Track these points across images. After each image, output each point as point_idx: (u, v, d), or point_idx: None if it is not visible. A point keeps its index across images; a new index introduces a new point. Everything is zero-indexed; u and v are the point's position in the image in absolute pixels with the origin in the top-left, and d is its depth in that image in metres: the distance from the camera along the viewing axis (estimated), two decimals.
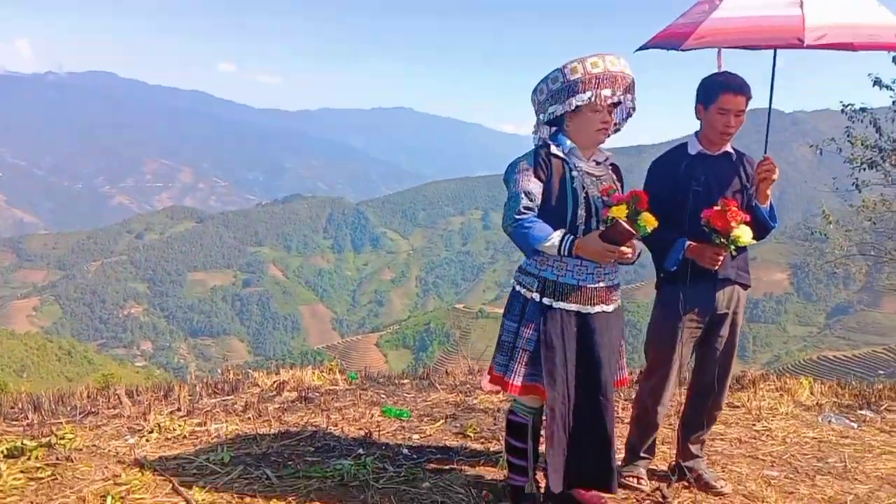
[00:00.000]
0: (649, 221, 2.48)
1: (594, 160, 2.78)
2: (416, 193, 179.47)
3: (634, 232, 2.47)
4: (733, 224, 2.74)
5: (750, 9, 2.94)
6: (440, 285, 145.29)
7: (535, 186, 2.63)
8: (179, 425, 3.81)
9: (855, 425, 4.63)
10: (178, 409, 4.24)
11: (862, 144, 9.12)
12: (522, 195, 2.60)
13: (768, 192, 2.99)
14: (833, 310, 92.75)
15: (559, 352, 2.64)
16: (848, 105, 9.15)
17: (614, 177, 2.84)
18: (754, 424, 4.45)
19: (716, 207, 2.80)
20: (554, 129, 2.80)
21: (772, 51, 3.03)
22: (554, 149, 2.71)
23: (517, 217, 2.60)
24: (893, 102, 8.89)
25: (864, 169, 9.21)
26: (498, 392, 4.40)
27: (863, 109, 9.10)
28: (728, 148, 3.10)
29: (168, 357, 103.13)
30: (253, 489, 2.95)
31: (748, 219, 2.80)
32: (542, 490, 2.89)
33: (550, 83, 2.68)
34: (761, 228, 3.03)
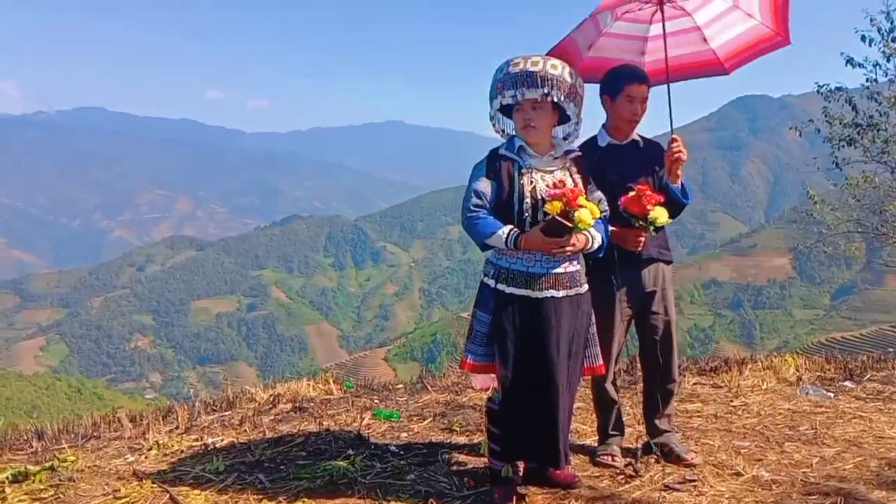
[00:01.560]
0: (583, 219, 2.59)
1: (551, 155, 2.91)
2: (413, 205, 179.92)
3: (569, 225, 2.60)
4: (649, 207, 2.93)
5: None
6: (444, 295, 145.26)
7: (485, 186, 2.83)
8: (177, 441, 3.96)
9: (831, 395, 4.75)
10: (177, 428, 4.37)
11: (840, 123, 9.21)
12: (472, 194, 2.82)
13: (679, 171, 3.17)
14: (837, 291, 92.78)
15: (510, 333, 2.80)
16: (823, 86, 9.26)
17: (574, 170, 2.92)
18: (732, 401, 4.59)
19: (630, 193, 2.97)
20: None
21: None
22: (503, 150, 2.90)
23: (468, 214, 2.82)
24: (867, 80, 8.98)
25: (843, 147, 9.30)
26: (488, 389, 4.54)
27: (838, 89, 9.19)
28: (634, 136, 3.31)
29: (178, 387, 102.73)
30: (246, 493, 3.10)
31: (662, 199, 2.97)
32: (521, 472, 3.04)
33: (492, 79, 2.87)
34: (675, 206, 3.21)
